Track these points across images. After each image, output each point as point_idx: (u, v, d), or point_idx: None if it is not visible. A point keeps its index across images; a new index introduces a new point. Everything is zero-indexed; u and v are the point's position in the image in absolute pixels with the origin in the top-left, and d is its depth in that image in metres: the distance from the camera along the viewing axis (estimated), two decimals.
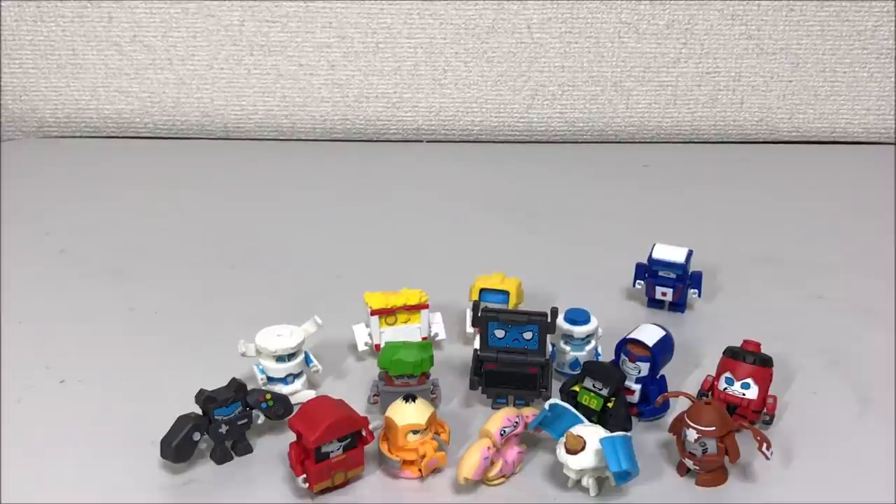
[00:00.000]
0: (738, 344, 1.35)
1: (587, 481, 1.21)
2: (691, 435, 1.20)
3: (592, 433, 1.20)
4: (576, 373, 1.37)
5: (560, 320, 1.40)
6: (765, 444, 1.20)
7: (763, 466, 1.25)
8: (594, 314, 1.44)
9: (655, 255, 1.59)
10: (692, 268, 1.60)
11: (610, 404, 1.28)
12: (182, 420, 1.24)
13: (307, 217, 1.97)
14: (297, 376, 1.38)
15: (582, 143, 2.36)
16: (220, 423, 1.25)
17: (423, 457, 1.22)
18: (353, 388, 1.40)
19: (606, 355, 1.42)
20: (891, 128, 2.35)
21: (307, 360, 1.40)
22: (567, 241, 1.87)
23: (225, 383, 1.27)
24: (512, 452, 1.24)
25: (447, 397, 1.39)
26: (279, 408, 1.29)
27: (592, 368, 1.30)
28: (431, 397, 1.34)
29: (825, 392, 1.42)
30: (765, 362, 1.32)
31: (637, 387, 1.33)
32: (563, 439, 1.21)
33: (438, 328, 1.50)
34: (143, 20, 2.25)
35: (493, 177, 2.18)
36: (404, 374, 1.31)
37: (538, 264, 1.73)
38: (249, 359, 1.38)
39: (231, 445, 1.27)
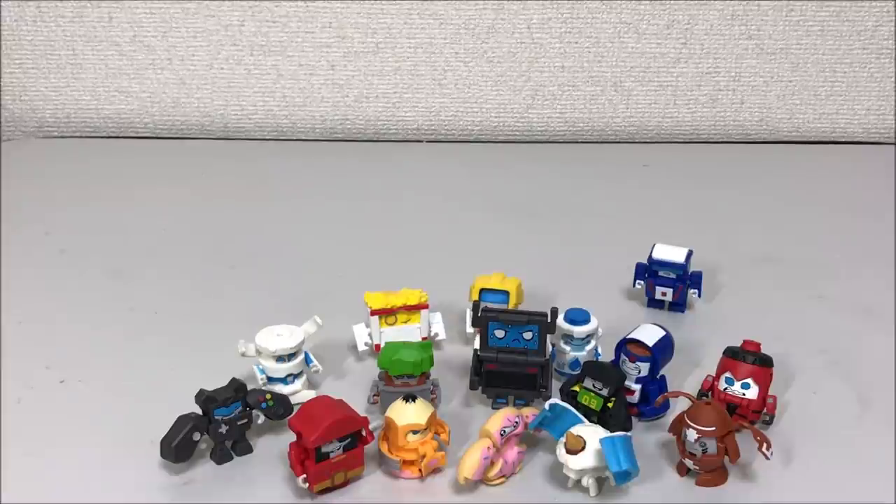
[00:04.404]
0: (738, 344, 1.35)
1: (587, 481, 1.21)
2: (691, 435, 1.20)
3: (592, 433, 1.20)
4: (576, 373, 1.37)
5: (560, 320, 1.39)
6: (765, 445, 1.20)
7: (763, 466, 1.25)
8: (594, 314, 1.44)
9: (655, 255, 1.59)
10: (692, 268, 1.60)
11: (610, 404, 1.28)
12: (182, 420, 1.24)
13: (307, 217, 1.97)
14: (297, 376, 1.38)
15: (582, 143, 2.36)
16: (220, 423, 1.25)
17: (423, 457, 1.22)
18: (353, 388, 1.40)
19: (606, 355, 1.42)
20: (891, 128, 2.35)
21: (307, 360, 1.39)
22: (567, 241, 1.87)
23: (225, 383, 1.27)
24: (512, 452, 1.24)
25: (447, 397, 1.39)
26: (279, 408, 1.29)
27: (592, 368, 1.30)
28: (431, 397, 1.34)
29: (825, 392, 1.42)
30: (765, 362, 1.32)
31: (637, 387, 1.33)
32: (563, 439, 1.21)
33: (438, 328, 1.50)
34: (143, 20, 2.25)
35: (493, 177, 2.18)
36: (404, 374, 1.31)
37: (538, 264, 1.73)
38: (249, 359, 1.38)
39: (231, 445, 1.27)
